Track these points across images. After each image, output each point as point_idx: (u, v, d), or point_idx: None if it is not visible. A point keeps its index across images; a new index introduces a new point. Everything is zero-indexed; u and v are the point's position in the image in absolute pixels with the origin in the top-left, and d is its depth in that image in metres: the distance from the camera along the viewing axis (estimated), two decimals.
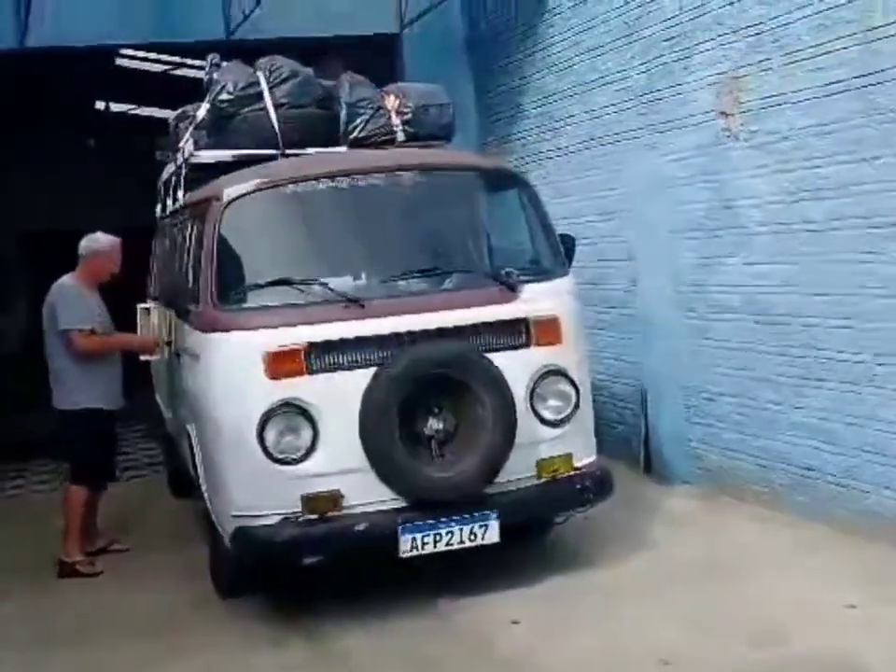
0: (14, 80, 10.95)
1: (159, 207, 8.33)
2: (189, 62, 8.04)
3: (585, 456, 5.57)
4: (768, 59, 6.05)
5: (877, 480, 5.62)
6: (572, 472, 5.45)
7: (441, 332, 5.24)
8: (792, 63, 5.88)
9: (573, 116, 8.15)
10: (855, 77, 5.45)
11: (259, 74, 6.29)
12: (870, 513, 5.65)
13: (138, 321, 7.13)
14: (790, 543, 5.80)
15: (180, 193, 6.93)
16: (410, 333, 5.18)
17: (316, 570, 5.36)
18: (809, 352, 6.00)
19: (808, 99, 5.78)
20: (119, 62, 11.91)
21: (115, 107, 15.18)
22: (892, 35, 5.19)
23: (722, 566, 5.54)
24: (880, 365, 5.54)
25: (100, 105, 15.35)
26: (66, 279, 6.54)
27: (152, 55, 11.38)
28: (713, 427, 6.92)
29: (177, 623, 5.49)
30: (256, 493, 5.11)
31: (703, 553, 5.78)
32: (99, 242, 6.54)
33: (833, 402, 5.87)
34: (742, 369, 6.58)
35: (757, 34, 6.13)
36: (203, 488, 5.63)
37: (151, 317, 7.21)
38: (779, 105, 6.01)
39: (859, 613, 4.78)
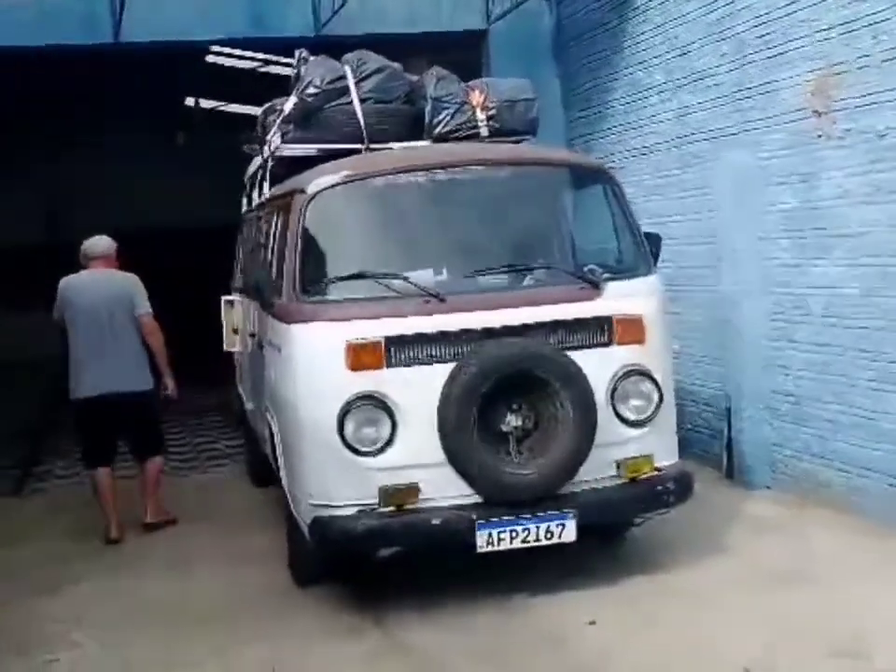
0: (108, 75, 11.19)
1: (244, 201, 8.44)
2: (278, 59, 8.11)
3: (666, 458, 5.50)
4: (864, 56, 5.90)
5: None
6: (653, 473, 5.37)
7: (522, 329, 5.21)
8: (889, 60, 5.72)
9: (661, 114, 8.04)
10: None
11: (346, 68, 6.33)
12: None
13: (222, 313, 7.23)
14: (876, 553, 5.64)
15: (266, 187, 7.01)
16: (490, 329, 5.17)
17: (393, 562, 5.36)
18: None
19: None
20: (209, 58, 12.10)
21: (204, 104, 15.41)
22: None
23: (806, 574, 5.41)
24: None
25: (190, 101, 15.59)
26: (121, 272, 7.12)
27: (243, 52, 11.54)
28: (798, 432, 6.77)
29: (253, 609, 5.55)
30: (334, 483, 5.15)
31: (785, 559, 5.66)
32: (111, 241, 7.18)
33: None
34: (829, 373, 6.42)
35: (852, 30, 5.97)
36: (283, 478, 5.69)
37: (235, 310, 7.31)
38: (874, 103, 5.85)
39: None
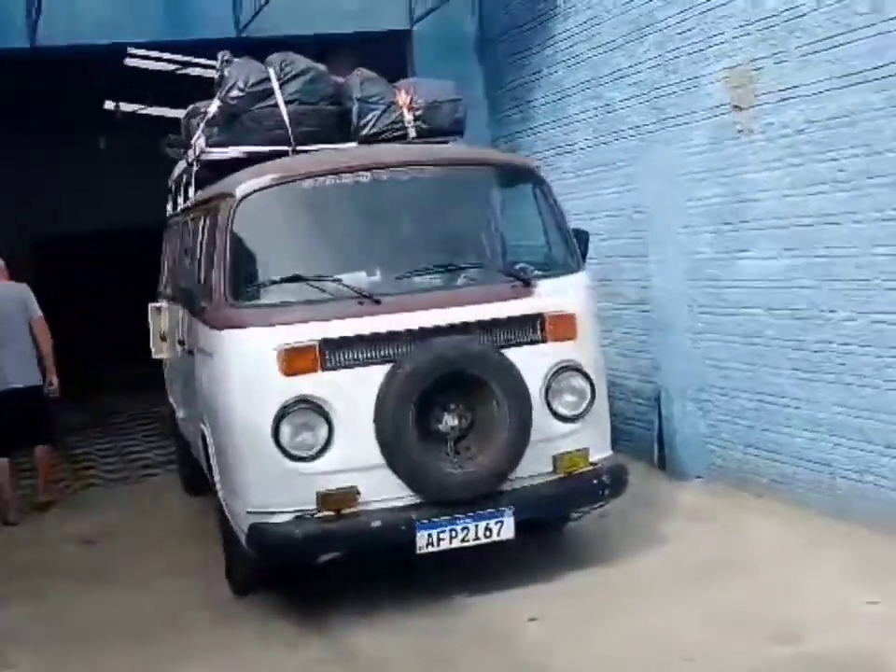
0: (25, 81, 10.94)
1: (169, 205, 8.32)
2: (200, 61, 8.01)
3: (601, 452, 5.56)
4: (782, 51, 6.01)
5: (893, 475, 5.58)
6: (588, 468, 5.42)
7: (457, 328, 5.22)
8: (807, 54, 5.83)
9: (586, 111, 8.10)
10: (872, 69, 5.40)
11: (270, 70, 6.27)
12: (888, 509, 5.60)
13: (150, 320, 7.13)
14: (808, 539, 5.75)
15: (191, 191, 6.92)
16: (425, 329, 5.16)
17: (333, 567, 5.33)
18: (825, 346, 5.96)
19: (823, 91, 5.73)
20: (128, 61, 11.90)
21: (125, 107, 15.15)
22: None
23: (740, 562, 5.50)
24: (891, 358, 5.50)
25: (110, 104, 15.32)
26: (13, 282, 7.95)
27: (163, 54, 11.38)
28: (728, 422, 6.88)
29: (192, 621, 5.48)
30: (271, 490, 5.10)
31: (720, 549, 5.74)
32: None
33: (848, 397, 5.83)
34: (757, 364, 6.54)
35: (770, 26, 6.08)
36: (218, 486, 5.62)
37: (163, 316, 7.21)
38: (793, 97, 5.96)
39: (880, 610, 4.74)
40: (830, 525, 5.83)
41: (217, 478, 5.63)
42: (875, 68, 5.38)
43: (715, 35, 6.53)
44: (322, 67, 6.48)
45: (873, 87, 5.42)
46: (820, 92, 5.75)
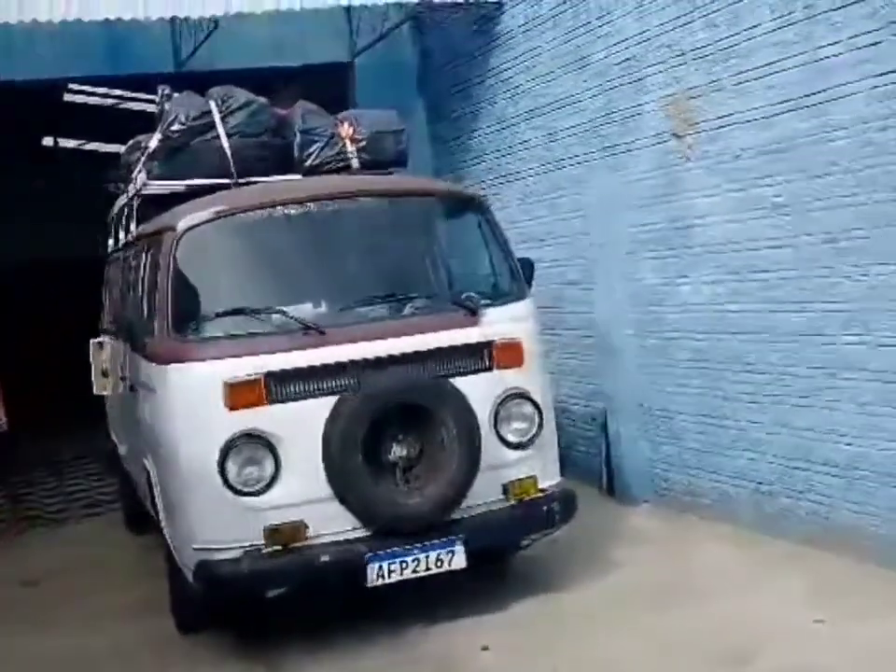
0: None
1: (111, 241, 8.23)
2: (140, 95, 7.97)
3: (550, 478, 5.57)
4: (717, 80, 6.12)
5: (834, 493, 5.66)
6: (538, 494, 5.43)
7: (403, 358, 5.21)
8: (742, 82, 5.94)
9: (528, 140, 8.18)
10: (804, 96, 5.52)
11: (212, 103, 6.25)
12: (831, 527, 5.68)
13: (91, 356, 7.03)
14: (753, 560, 5.80)
15: (132, 225, 6.85)
16: (371, 360, 5.15)
17: (281, 602, 5.26)
18: (766, 368, 6.04)
19: (759, 118, 5.84)
20: (67, 97, 11.81)
21: (64, 143, 15.01)
22: (840, 54, 5.27)
23: (687, 585, 5.52)
24: (833, 378, 5.59)
25: (48, 140, 15.17)
26: None
27: (102, 89, 11.31)
28: (673, 446, 6.94)
29: (139, 661, 5.40)
30: (217, 526, 5.04)
31: (667, 573, 5.77)
32: None
33: (789, 417, 5.91)
34: (700, 387, 6.61)
35: (704, 55, 6.19)
36: (164, 523, 5.54)
37: (104, 352, 7.11)
38: (730, 124, 6.07)
39: (826, 628, 4.79)
40: (774, 546, 5.90)
41: (162, 515, 5.55)
42: (808, 95, 5.50)
43: (653, 65, 6.64)
44: (263, 100, 6.47)
45: (806, 113, 5.53)
46: (756, 119, 5.86)
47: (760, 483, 6.19)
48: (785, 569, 5.54)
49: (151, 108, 7.13)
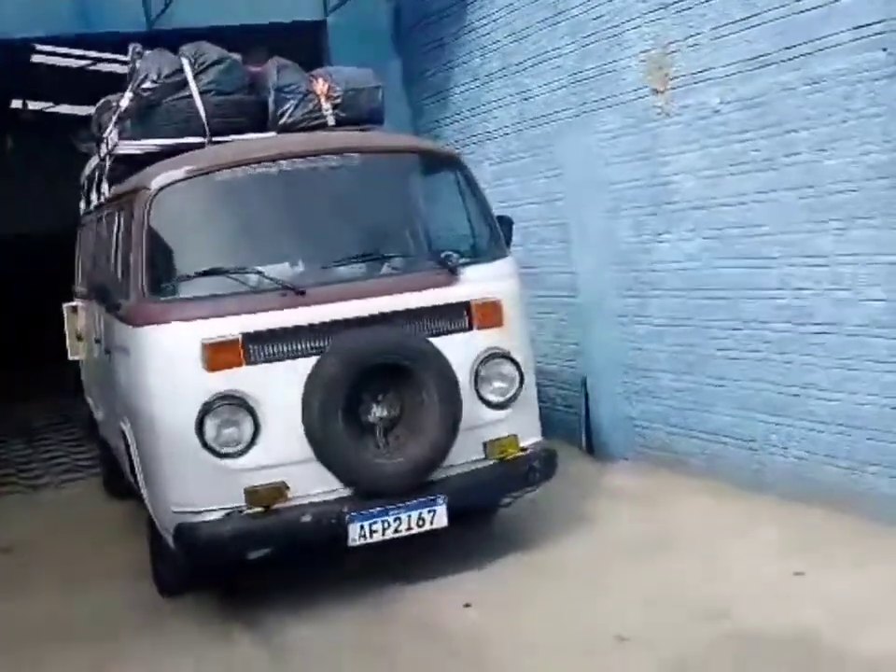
0: None
1: (82, 203, 8.13)
2: (110, 56, 7.84)
3: (531, 437, 5.57)
4: (696, 34, 6.07)
5: (816, 448, 5.69)
6: (519, 453, 5.42)
7: (383, 318, 5.17)
8: (719, 37, 5.90)
9: (504, 98, 8.10)
10: (782, 49, 5.48)
11: (184, 61, 6.11)
12: (810, 481, 5.71)
13: (65, 320, 6.97)
14: (733, 515, 5.83)
15: (105, 186, 6.75)
16: (351, 320, 5.11)
17: (263, 564, 5.25)
18: (746, 325, 6.05)
19: (737, 73, 5.80)
20: (35, 58, 11.60)
21: (33, 106, 14.79)
22: (820, 6, 5.23)
23: (669, 540, 5.55)
24: (814, 334, 5.60)
25: (16, 103, 14.95)
26: None
27: (71, 50, 11.12)
28: (653, 403, 6.95)
29: (121, 625, 5.36)
30: (197, 488, 5.00)
31: (649, 528, 5.80)
32: None
33: (771, 373, 5.92)
34: (680, 345, 6.61)
35: (682, 9, 6.14)
36: (142, 487, 5.49)
37: (78, 316, 7.05)
38: (708, 79, 6.03)
39: (806, 580, 4.83)
40: (754, 501, 5.92)
41: (140, 478, 5.50)
42: (786, 48, 5.46)
43: (630, 20, 6.57)
44: (237, 56, 6.35)
45: (783, 67, 5.50)
46: (735, 74, 5.82)
47: (740, 439, 6.21)
48: (765, 523, 5.58)
49: (122, 70, 7.02)
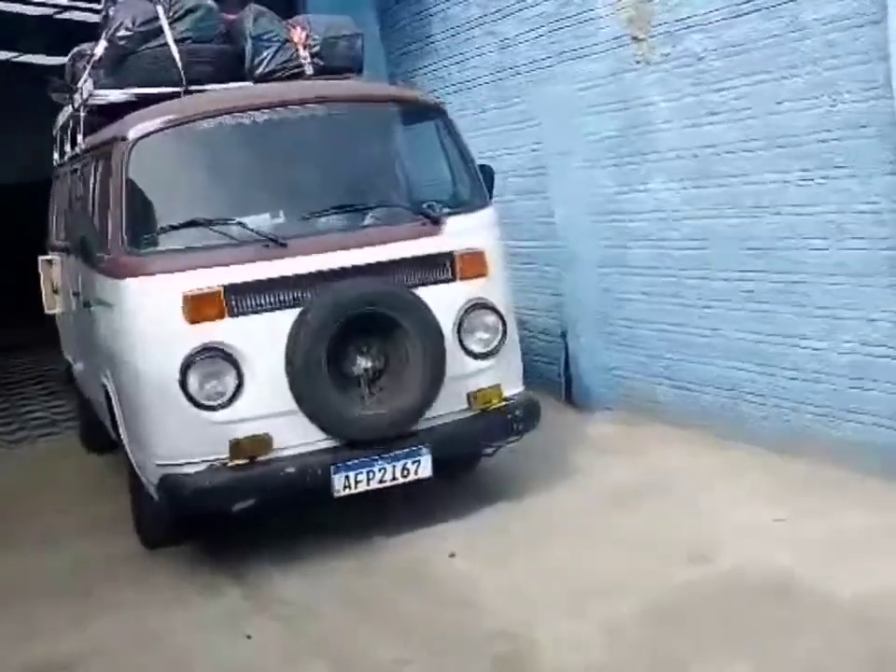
0: None
1: (56, 154, 7.99)
2: (83, 4, 7.66)
3: (513, 387, 5.58)
4: None
5: (798, 398, 5.73)
6: (502, 403, 5.44)
7: (366, 269, 5.15)
8: None
9: (481, 48, 8.01)
10: None
11: (159, 8, 5.98)
12: (792, 431, 5.76)
13: (41, 274, 6.87)
14: (715, 464, 5.88)
15: (80, 137, 6.63)
16: (334, 271, 5.08)
17: (248, 516, 5.25)
18: (727, 274, 6.06)
19: (720, 20, 5.76)
20: (1, 6, 11.34)
21: (1, 55, 14.47)
22: None
23: (650, 489, 5.59)
24: (795, 283, 5.62)
25: None
26: None
27: None
28: (633, 353, 6.98)
29: (104, 578, 5.36)
30: (181, 440, 4.99)
31: (630, 476, 5.83)
32: None
33: (751, 322, 5.95)
34: (660, 295, 6.62)
35: None
36: (125, 439, 5.47)
37: (54, 269, 6.95)
38: (690, 27, 5.98)
39: (786, 526, 4.89)
40: (735, 449, 5.97)
41: (123, 431, 5.48)
42: None
43: None
44: (212, 3, 6.24)
45: (766, 14, 5.47)
46: (717, 21, 5.78)
47: (721, 389, 6.25)
48: (747, 471, 5.64)
49: (94, 18, 6.87)
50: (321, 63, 6.19)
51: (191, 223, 5.10)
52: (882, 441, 5.24)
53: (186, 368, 4.92)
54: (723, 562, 4.62)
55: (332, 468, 5.01)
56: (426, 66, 8.89)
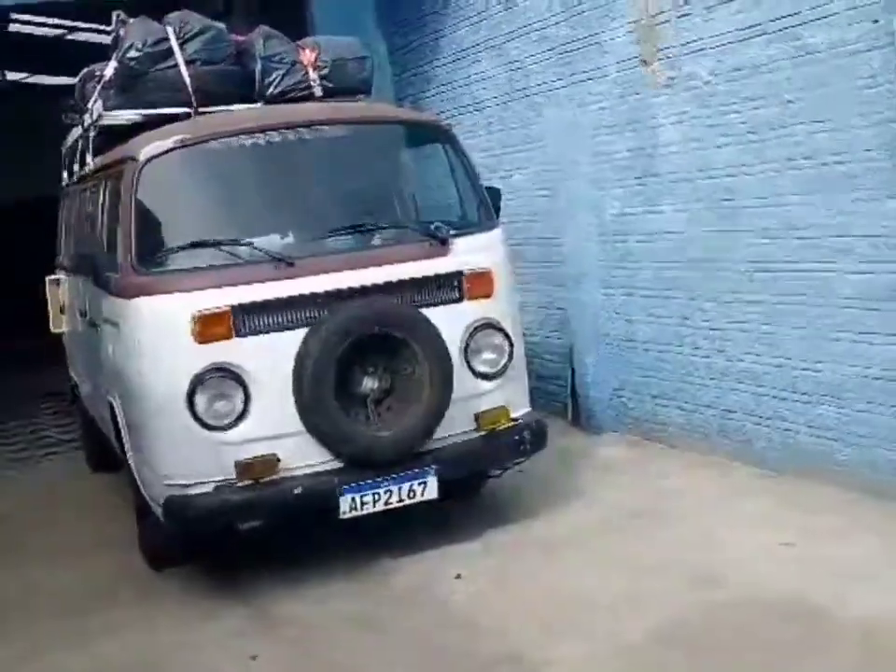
0: None
1: (65, 174, 8.03)
2: (91, 25, 7.71)
3: (520, 408, 5.58)
4: (686, 3, 6.04)
5: (799, 419, 5.72)
6: (509, 424, 5.43)
7: (374, 289, 5.15)
8: (710, 7, 5.87)
9: (491, 69, 8.05)
10: (772, 20, 5.47)
11: (169, 29, 6.03)
12: (796, 452, 5.75)
13: (48, 293, 6.90)
14: (721, 486, 5.87)
15: (89, 157, 6.67)
16: (342, 291, 5.08)
17: (255, 537, 5.24)
18: (732, 296, 6.06)
19: (726, 44, 5.79)
20: (12, 27, 11.44)
21: (12, 76, 14.58)
22: None
23: (657, 511, 5.58)
24: (800, 306, 5.61)
25: None
26: None
27: (47, 19, 10.96)
28: (639, 375, 6.97)
29: (109, 598, 5.35)
30: (188, 461, 4.98)
31: (637, 499, 5.82)
32: None
33: (754, 345, 5.95)
34: (666, 316, 6.62)
35: None
36: (131, 459, 5.46)
37: (62, 289, 6.98)
38: (698, 50, 6.01)
39: (795, 550, 4.86)
40: (741, 472, 5.97)
41: (129, 451, 5.47)
42: (776, 20, 5.45)
43: None
44: (221, 26, 6.28)
45: (773, 38, 5.49)
46: (724, 45, 5.81)
47: (726, 411, 6.24)
48: (752, 494, 5.63)
49: (100, 39, 6.91)
50: (330, 85, 6.22)
51: (199, 243, 5.11)
52: (887, 464, 5.22)
53: (194, 388, 4.92)
54: (732, 585, 4.60)
55: (338, 489, 4.99)
56: (435, 87, 8.93)
